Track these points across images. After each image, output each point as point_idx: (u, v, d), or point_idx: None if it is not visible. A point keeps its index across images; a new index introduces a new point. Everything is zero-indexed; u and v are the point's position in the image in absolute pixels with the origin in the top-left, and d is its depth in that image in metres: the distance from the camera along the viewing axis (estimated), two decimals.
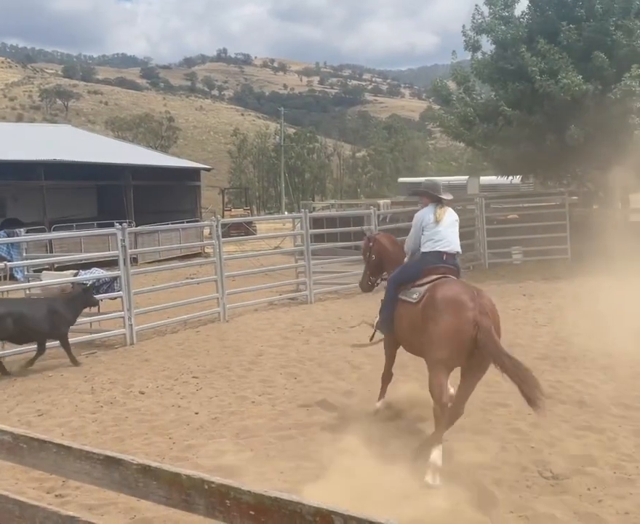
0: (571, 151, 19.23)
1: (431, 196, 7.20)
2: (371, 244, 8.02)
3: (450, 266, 6.92)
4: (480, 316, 6.01)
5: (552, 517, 5.07)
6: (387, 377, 7.69)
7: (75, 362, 11.05)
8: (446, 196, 7.23)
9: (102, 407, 8.65)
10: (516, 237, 20.19)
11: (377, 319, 7.66)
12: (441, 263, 6.90)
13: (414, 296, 6.68)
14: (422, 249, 7.01)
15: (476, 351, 5.98)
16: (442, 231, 6.99)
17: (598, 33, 18.67)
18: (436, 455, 5.94)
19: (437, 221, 7.00)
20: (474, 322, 5.98)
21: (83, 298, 11.52)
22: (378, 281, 8.13)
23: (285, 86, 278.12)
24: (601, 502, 5.30)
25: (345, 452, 6.30)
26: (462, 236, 21.02)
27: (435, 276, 6.70)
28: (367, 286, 8.16)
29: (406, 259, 7.41)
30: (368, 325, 8.15)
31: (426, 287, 6.61)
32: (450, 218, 7.13)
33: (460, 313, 6.08)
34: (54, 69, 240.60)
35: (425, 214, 7.12)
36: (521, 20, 21.44)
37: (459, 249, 7.11)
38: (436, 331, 6.15)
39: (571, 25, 18.94)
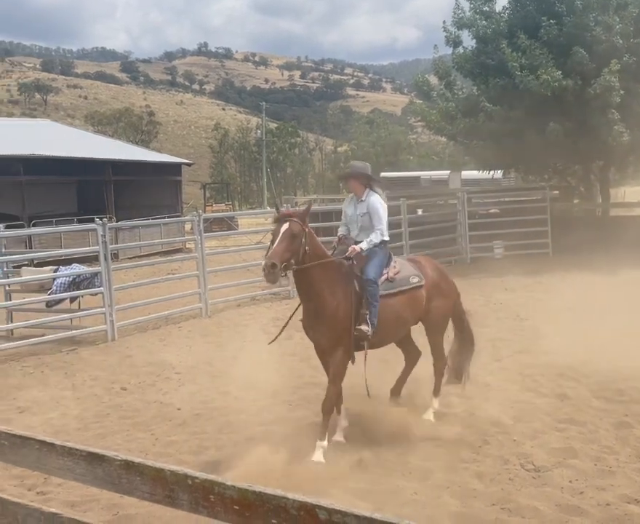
0: (551, 146, 19.36)
1: (367, 179, 7.03)
2: (306, 230, 6.46)
3: None
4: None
5: (534, 510, 5.11)
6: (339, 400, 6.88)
7: None
8: (378, 179, 7.18)
9: (83, 403, 8.59)
10: (498, 232, 20.31)
11: (366, 327, 6.53)
12: None
13: (416, 280, 7.01)
14: (386, 238, 6.94)
15: None
16: None
17: (578, 29, 18.79)
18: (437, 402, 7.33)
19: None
20: None
21: None
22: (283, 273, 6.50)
23: (266, 81, 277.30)
24: (582, 494, 5.34)
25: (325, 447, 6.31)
26: (445, 230, 21.01)
27: (397, 259, 7.17)
28: (279, 276, 6.43)
29: (367, 246, 6.78)
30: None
31: (413, 268, 7.08)
32: None
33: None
34: (32, 63, 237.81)
35: (384, 202, 7.03)
36: (502, 15, 21.53)
37: None
38: (448, 305, 7.35)
39: (551, 21, 19.04)
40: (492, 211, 23.11)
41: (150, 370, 10.11)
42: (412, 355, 7.53)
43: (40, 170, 31.28)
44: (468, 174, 31.23)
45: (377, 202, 6.92)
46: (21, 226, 26.72)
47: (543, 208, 20.38)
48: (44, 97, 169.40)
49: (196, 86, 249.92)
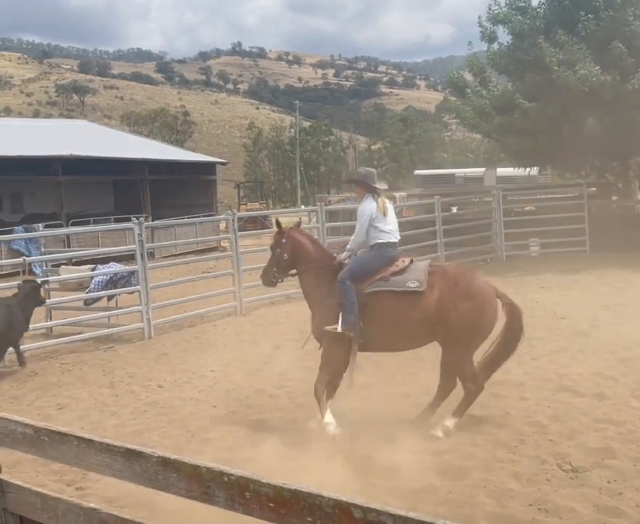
0: (589, 142, 19.06)
1: (367, 186, 7.18)
2: (284, 240, 7.32)
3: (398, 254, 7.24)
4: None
5: (572, 510, 5.04)
6: (332, 388, 7.10)
7: (24, 364, 10.52)
8: (381, 186, 7.33)
9: (120, 400, 8.71)
10: (534, 229, 20.08)
11: (336, 325, 6.85)
12: (396, 252, 7.18)
13: (414, 285, 6.73)
14: (378, 240, 7.02)
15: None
16: (389, 220, 7.12)
17: (616, 23, 18.49)
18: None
19: (384, 213, 7.06)
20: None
21: (33, 296, 10.73)
22: (281, 279, 7.57)
23: (300, 79, 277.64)
24: (621, 495, 5.26)
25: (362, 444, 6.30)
26: (480, 228, 20.90)
27: (406, 261, 7.00)
28: (272, 282, 7.61)
29: (345, 255, 7.20)
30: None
31: (422, 274, 6.78)
32: (391, 208, 7.26)
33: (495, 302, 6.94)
34: (70, 64, 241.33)
35: (372, 206, 7.04)
36: (538, 10, 21.26)
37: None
38: (478, 317, 6.72)
39: (589, 15, 18.77)
40: (528, 208, 22.85)
41: (185, 367, 10.20)
42: (445, 385, 7.00)
43: (78, 170, 31.77)
44: (503, 171, 30.88)
45: (360, 209, 7.15)
46: (60, 225, 27.20)
47: (580, 205, 20.09)
48: (82, 98, 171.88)
49: (230, 86, 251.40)
